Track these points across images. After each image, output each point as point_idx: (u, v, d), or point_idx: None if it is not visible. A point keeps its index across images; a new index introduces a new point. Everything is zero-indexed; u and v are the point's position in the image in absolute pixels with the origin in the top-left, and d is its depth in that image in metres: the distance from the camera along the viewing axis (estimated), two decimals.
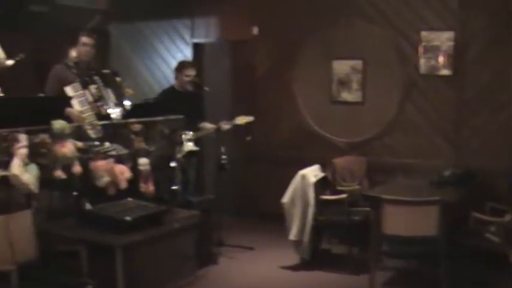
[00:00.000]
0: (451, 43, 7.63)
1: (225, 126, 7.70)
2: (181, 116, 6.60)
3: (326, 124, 8.51)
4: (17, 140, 5.00)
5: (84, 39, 6.97)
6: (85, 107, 6.60)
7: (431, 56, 7.78)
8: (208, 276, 6.71)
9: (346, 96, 8.37)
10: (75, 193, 5.82)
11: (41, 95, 6.57)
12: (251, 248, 7.66)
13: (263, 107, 8.86)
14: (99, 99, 6.64)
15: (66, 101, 6.19)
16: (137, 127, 5.99)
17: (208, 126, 7.94)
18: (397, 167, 7.88)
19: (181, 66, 7.98)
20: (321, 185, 7.26)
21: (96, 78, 6.73)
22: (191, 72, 7.88)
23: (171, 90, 7.96)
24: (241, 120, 7.84)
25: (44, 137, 5.16)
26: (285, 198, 7.03)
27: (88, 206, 5.49)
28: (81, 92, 6.62)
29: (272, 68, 8.94)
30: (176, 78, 7.98)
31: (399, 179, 7.72)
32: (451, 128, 7.70)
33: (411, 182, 7.42)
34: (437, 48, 7.71)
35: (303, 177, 7.00)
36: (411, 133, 7.93)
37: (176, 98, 7.71)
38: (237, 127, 7.94)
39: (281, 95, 8.80)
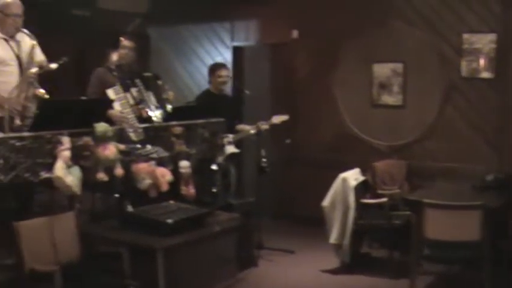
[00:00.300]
0: (493, 45, 7.56)
1: (263, 126, 7.70)
2: (221, 119, 6.62)
3: (366, 127, 8.47)
4: (60, 143, 5.06)
5: (125, 42, 7.02)
6: (126, 110, 6.65)
7: (472, 58, 7.70)
8: (248, 279, 6.71)
9: (387, 99, 8.33)
10: (117, 195, 5.87)
11: (84, 97, 6.64)
12: (291, 251, 7.64)
13: (303, 110, 8.86)
14: (140, 102, 6.67)
15: (109, 103, 6.25)
16: (178, 130, 6.01)
17: (246, 127, 7.97)
18: (438, 171, 7.81)
19: (213, 68, 8.05)
20: (362, 189, 7.23)
21: (137, 81, 6.76)
22: (223, 73, 7.93)
23: (206, 93, 8.00)
24: (277, 119, 7.83)
25: (87, 139, 5.20)
26: (325, 202, 7.01)
27: (130, 208, 5.52)
28: (123, 94, 6.66)
29: (312, 71, 8.93)
30: (210, 81, 8.03)
31: (440, 183, 7.65)
32: (493, 131, 7.62)
33: (452, 186, 7.33)
34: (478, 50, 7.64)
35: (344, 180, 6.97)
36: (452, 137, 7.85)
37: (212, 101, 7.74)
38: (276, 130, 7.95)
39: (321, 98, 8.78)
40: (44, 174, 5.06)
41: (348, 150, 8.48)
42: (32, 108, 5.64)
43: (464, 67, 7.73)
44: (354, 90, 8.57)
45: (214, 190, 6.68)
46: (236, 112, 8.10)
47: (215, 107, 7.19)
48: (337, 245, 6.98)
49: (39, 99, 5.67)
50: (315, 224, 7.45)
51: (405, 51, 8.16)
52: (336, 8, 8.68)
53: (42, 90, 5.71)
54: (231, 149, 7.64)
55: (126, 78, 6.78)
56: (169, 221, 5.19)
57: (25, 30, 5.96)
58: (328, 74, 8.72)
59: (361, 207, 7.01)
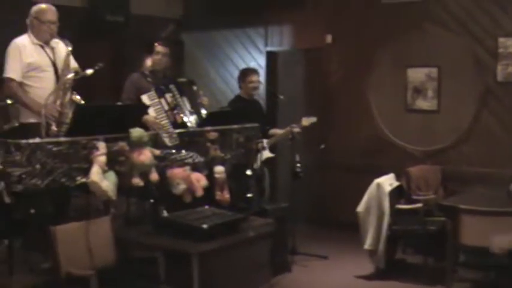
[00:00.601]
0: None
1: (295, 129, 7.69)
2: (256, 124, 6.62)
3: (401, 132, 8.42)
4: (96, 148, 5.09)
5: (159, 48, 7.05)
6: (161, 115, 6.68)
7: (508, 62, 7.64)
8: (282, 284, 6.71)
9: (421, 104, 8.28)
10: (152, 200, 5.90)
11: (119, 103, 6.68)
12: (325, 257, 7.62)
13: (337, 115, 8.84)
14: (174, 107, 6.71)
15: (144, 109, 6.28)
16: (213, 135, 6.03)
17: (278, 131, 7.98)
18: (473, 176, 7.73)
19: (244, 73, 8.07)
20: (396, 194, 7.19)
21: (171, 86, 6.80)
22: (254, 78, 7.95)
23: (237, 99, 8.02)
24: (307, 121, 7.82)
25: (123, 144, 5.23)
26: (360, 207, 6.99)
27: (165, 214, 5.54)
28: (157, 100, 6.70)
29: (346, 75, 8.91)
30: (240, 87, 8.04)
31: (475, 188, 7.58)
32: None
33: (488, 191, 7.27)
34: None
35: (378, 186, 6.94)
36: (488, 141, 7.78)
37: (244, 106, 7.76)
38: (310, 135, 7.95)
39: (355, 102, 8.76)
40: (80, 179, 5.10)
41: (382, 155, 8.44)
42: (68, 114, 5.69)
43: (500, 71, 7.67)
44: (388, 95, 8.53)
45: (248, 195, 6.68)
46: (268, 117, 8.10)
47: (247, 112, 7.20)
48: (371, 251, 6.95)
49: (75, 105, 5.73)
50: (349, 229, 7.42)
51: (440, 56, 8.11)
52: (370, 12, 8.66)
53: (78, 97, 5.77)
54: (265, 154, 7.66)
55: (161, 83, 6.83)
56: (205, 226, 5.19)
57: (59, 38, 6.02)
58: (362, 78, 8.69)
59: (395, 213, 6.97)
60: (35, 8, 6.02)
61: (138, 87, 6.87)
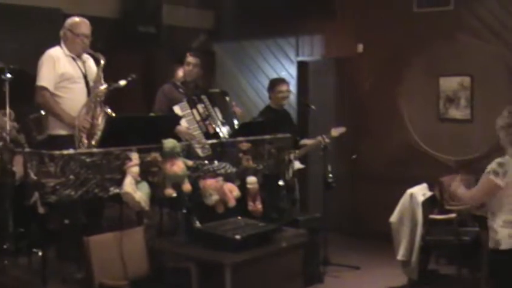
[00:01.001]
0: None
1: (326, 140, 7.66)
2: (288, 135, 6.61)
3: (433, 142, 8.37)
4: (129, 159, 5.10)
5: (190, 58, 7.08)
6: (193, 126, 6.71)
7: None
8: None
9: (454, 113, 8.23)
10: (184, 211, 5.90)
11: (152, 114, 6.71)
12: (357, 267, 7.59)
13: (369, 125, 8.81)
14: (206, 118, 6.73)
15: (177, 119, 6.29)
16: (245, 146, 6.01)
17: (309, 142, 7.96)
18: None
19: (273, 84, 8.04)
20: (429, 204, 7.14)
21: (203, 97, 6.83)
22: (283, 88, 7.91)
23: (267, 110, 8.00)
24: (336, 131, 7.80)
25: (156, 155, 5.23)
26: (393, 218, 6.94)
27: (197, 224, 5.53)
28: (189, 111, 6.74)
29: (377, 85, 8.88)
30: (270, 97, 8.02)
31: None
32: None
33: None
34: None
35: (411, 196, 6.89)
36: None
37: (274, 116, 7.74)
38: (342, 145, 7.93)
39: (387, 112, 8.73)
40: (113, 190, 5.11)
41: (415, 165, 8.39)
42: (99, 126, 5.71)
43: None
44: (420, 104, 8.49)
45: (281, 206, 6.67)
46: (299, 127, 8.08)
47: (277, 123, 7.19)
48: (404, 262, 6.89)
49: (106, 117, 5.74)
50: (381, 239, 7.37)
51: (472, 64, 8.06)
52: (401, 21, 8.64)
53: (109, 110, 5.78)
54: (296, 164, 7.63)
55: (192, 94, 6.85)
56: (238, 237, 5.17)
57: (92, 52, 6.05)
58: (394, 87, 8.67)
59: (429, 223, 6.93)
60: (69, 21, 6.05)
61: (170, 98, 6.91)
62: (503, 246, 4.90)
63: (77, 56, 6.02)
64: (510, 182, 4.91)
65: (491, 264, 5.29)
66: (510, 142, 5.04)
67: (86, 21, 6.04)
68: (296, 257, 6.07)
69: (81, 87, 5.96)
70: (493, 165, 4.99)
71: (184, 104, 6.79)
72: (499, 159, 5.01)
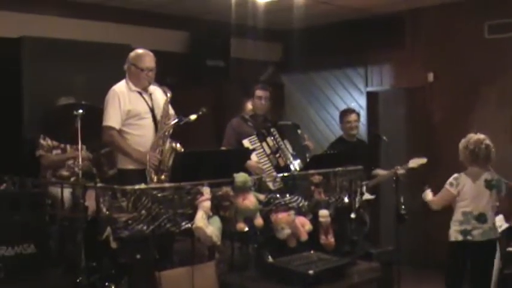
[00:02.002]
0: None
1: (400, 171, 7.52)
2: (360, 167, 6.50)
3: (509, 171, 8.13)
4: (200, 193, 5.08)
5: (259, 92, 7.06)
6: (263, 160, 6.66)
7: None
8: None
9: None
10: (256, 245, 5.85)
11: (223, 148, 6.69)
12: None
13: (442, 155, 8.60)
14: (276, 151, 6.68)
15: (248, 153, 6.25)
16: (317, 178, 5.94)
17: (381, 172, 7.85)
18: None
19: (341, 114, 8.05)
20: (507, 237, 6.92)
21: (272, 130, 6.78)
22: (351, 118, 7.87)
23: (339, 141, 7.94)
24: (415, 162, 7.67)
25: (227, 189, 5.19)
26: None
27: (269, 259, 5.46)
28: (259, 144, 6.69)
29: (450, 114, 8.73)
30: (341, 128, 7.98)
31: None
32: None
33: None
34: None
35: None
36: None
37: (345, 148, 7.66)
38: (415, 175, 7.76)
39: (459, 142, 8.51)
40: (185, 225, 5.08)
41: None
42: (168, 162, 5.70)
43: None
44: (495, 133, 8.23)
45: (354, 239, 6.55)
46: (370, 158, 7.98)
47: (350, 154, 7.09)
48: None
49: (174, 153, 5.73)
50: None
51: None
52: (473, 48, 8.48)
53: (178, 145, 5.76)
54: (366, 195, 7.51)
55: (262, 127, 6.81)
56: (311, 272, 5.08)
57: (157, 85, 6.04)
58: (467, 116, 8.49)
59: (506, 256, 6.71)
60: (132, 54, 6.04)
61: (238, 132, 6.88)
62: None
63: (143, 90, 6.01)
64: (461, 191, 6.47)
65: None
66: (466, 161, 6.58)
67: (150, 54, 6.01)
68: None
69: (148, 122, 5.96)
70: (450, 179, 6.59)
71: (254, 137, 6.75)
72: (455, 175, 6.61)
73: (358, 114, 8.15)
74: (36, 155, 6.72)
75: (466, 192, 6.44)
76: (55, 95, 6.93)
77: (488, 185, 6.45)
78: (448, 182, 6.58)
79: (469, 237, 6.35)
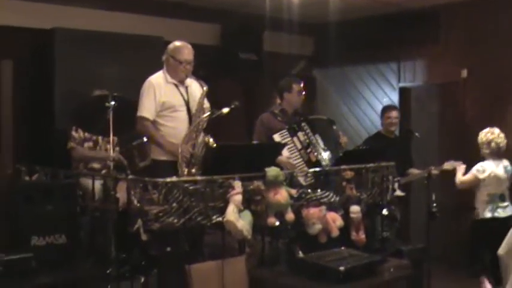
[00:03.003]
0: None
1: (435, 171, 7.46)
2: (392, 163, 6.44)
3: None
4: (232, 187, 5.06)
5: (296, 86, 6.99)
6: (294, 155, 6.61)
7: None
8: None
9: None
10: (286, 240, 5.82)
11: (255, 142, 6.66)
12: None
13: (474, 152, 8.49)
14: (308, 146, 6.63)
15: (280, 147, 6.21)
16: (349, 174, 5.89)
17: (415, 171, 7.79)
18: None
19: (383, 110, 8.04)
20: None
21: (303, 125, 6.72)
22: (391, 114, 7.84)
23: (376, 136, 7.90)
24: (450, 165, 7.62)
25: (259, 184, 5.17)
26: (501, 250, 6.67)
27: (300, 254, 5.43)
28: (289, 139, 6.64)
29: (484, 110, 8.62)
30: (381, 123, 7.95)
31: None
32: None
33: None
34: None
35: None
36: None
37: (382, 143, 7.61)
38: (447, 173, 7.69)
39: None
40: (216, 218, 5.07)
41: None
42: (199, 156, 5.70)
43: None
44: None
45: (385, 235, 6.50)
46: (407, 156, 7.93)
47: (384, 150, 7.03)
48: None
49: (207, 146, 5.72)
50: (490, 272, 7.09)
51: None
52: (508, 44, 8.37)
53: (211, 139, 5.75)
54: (397, 192, 7.44)
55: (292, 122, 6.75)
56: (342, 268, 5.03)
57: (194, 78, 6.04)
58: (502, 113, 8.37)
59: None
60: (171, 46, 6.05)
61: (268, 127, 6.83)
62: None
63: (179, 82, 6.02)
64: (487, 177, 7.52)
65: None
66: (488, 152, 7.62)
67: (188, 46, 6.03)
68: None
69: (182, 115, 5.98)
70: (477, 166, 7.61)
71: (285, 132, 6.69)
72: (481, 163, 7.63)
73: (398, 111, 8.14)
74: (67, 147, 6.73)
75: (491, 177, 7.51)
76: (87, 86, 6.94)
77: (506, 170, 7.59)
78: (475, 169, 7.59)
79: (496, 214, 7.46)
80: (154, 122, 5.97)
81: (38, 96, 7.70)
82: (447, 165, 7.64)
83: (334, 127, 6.96)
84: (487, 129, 7.65)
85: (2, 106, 7.67)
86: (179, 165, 5.55)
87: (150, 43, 8.03)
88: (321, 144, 6.67)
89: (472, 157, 8.24)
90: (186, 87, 6.08)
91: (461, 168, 7.71)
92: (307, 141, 6.64)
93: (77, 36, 7.58)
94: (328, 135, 6.76)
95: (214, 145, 5.64)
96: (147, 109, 5.93)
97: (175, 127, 5.93)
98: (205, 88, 5.93)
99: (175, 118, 5.97)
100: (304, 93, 7.03)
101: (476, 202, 7.67)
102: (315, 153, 6.58)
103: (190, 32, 8.57)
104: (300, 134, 6.68)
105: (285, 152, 6.52)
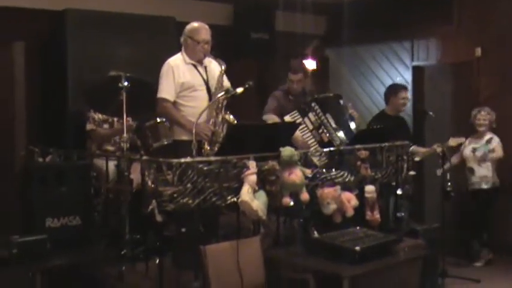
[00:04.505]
0: None
1: (439, 148, 7.44)
2: (406, 142, 6.41)
3: None
4: (246, 167, 5.04)
5: (292, 76, 7.14)
6: (306, 135, 6.59)
7: None
8: None
9: None
10: (301, 220, 5.80)
11: (269, 121, 6.64)
12: (477, 281, 7.30)
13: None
14: (319, 126, 6.60)
15: (295, 127, 6.17)
16: (364, 154, 5.86)
17: (421, 149, 7.77)
18: None
19: (395, 90, 7.93)
20: None
21: (313, 104, 6.69)
22: (404, 94, 7.79)
23: (382, 115, 7.87)
24: (454, 141, 7.62)
25: (273, 164, 5.15)
26: None
27: (315, 234, 5.41)
28: (301, 120, 6.62)
29: (497, 90, 8.54)
30: (387, 102, 7.88)
31: None
32: None
33: None
34: None
35: None
36: None
37: (388, 122, 7.58)
38: (451, 149, 7.68)
39: (507, 119, 8.36)
40: (231, 199, 5.06)
41: None
42: (221, 133, 5.72)
43: None
44: None
45: (399, 215, 6.47)
46: (410, 135, 7.90)
47: (393, 130, 7.00)
48: None
49: (228, 124, 5.73)
50: (504, 251, 7.07)
51: None
52: None
53: (231, 116, 5.76)
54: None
55: (302, 103, 6.74)
56: (357, 248, 5.00)
57: (212, 57, 6.04)
58: None
59: None
60: (188, 27, 6.09)
61: (280, 104, 6.89)
62: None
63: (198, 62, 6.03)
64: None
65: None
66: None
67: (206, 26, 6.07)
68: (415, 269, 5.86)
69: (202, 94, 6.04)
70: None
71: (295, 113, 6.67)
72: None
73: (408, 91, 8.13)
74: (87, 129, 6.72)
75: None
76: (100, 67, 6.93)
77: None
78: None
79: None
80: (174, 103, 6.00)
81: (51, 78, 7.68)
82: (452, 142, 7.65)
83: (341, 101, 6.92)
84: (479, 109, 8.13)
85: (14, 88, 7.68)
86: (193, 145, 5.50)
87: (162, 24, 8.01)
88: (332, 123, 6.63)
89: None
90: (205, 67, 6.14)
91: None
92: (319, 121, 6.62)
93: (89, 18, 7.56)
94: (338, 113, 6.73)
95: (235, 122, 5.65)
96: (166, 90, 5.97)
97: (196, 106, 5.94)
98: (223, 66, 6.00)
99: (196, 98, 6.02)
100: (299, 82, 7.12)
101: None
102: (327, 134, 6.55)
103: (202, 12, 8.54)
104: (311, 114, 6.65)
105: (298, 133, 6.49)
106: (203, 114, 5.76)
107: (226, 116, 5.83)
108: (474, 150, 8.03)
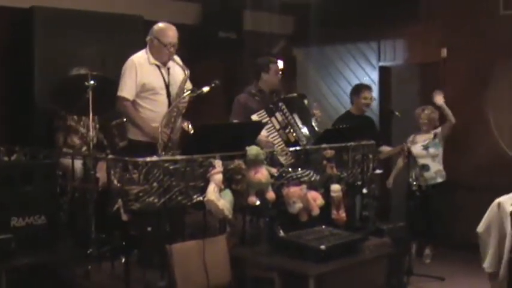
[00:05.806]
0: None
1: (405, 146, 7.56)
2: (372, 142, 6.46)
3: None
4: (212, 166, 5.05)
5: (275, 66, 6.98)
6: (273, 135, 6.60)
7: None
8: None
9: None
10: (267, 219, 5.83)
11: (235, 121, 6.65)
12: (442, 278, 7.39)
13: (454, 132, 8.53)
14: (286, 126, 6.62)
15: (261, 126, 6.18)
16: (329, 153, 5.90)
17: (387, 149, 7.86)
18: None
19: (358, 89, 8.03)
20: None
21: (281, 104, 6.70)
22: (368, 94, 7.87)
23: (347, 115, 7.93)
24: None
25: (239, 163, 5.17)
26: (480, 228, 6.67)
27: (281, 233, 5.44)
28: (268, 119, 6.62)
29: (463, 91, 8.62)
30: (352, 102, 7.95)
31: None
32: None
33: None
34: None
35: (499, 205, 6.60)
36: None
37: (353, 122, 7.64)
38: None
39: (473, 119, 8.45)
40: (196, 198, 5.07)
41: (503, 173, 8.07)
42: (176, 140, 5.71)
43: None
44: (509, 110, 8.21)
45: (365, 214, 6.52)
46: (376, 134, 7.97)
47: (359, 129, 7.05)
48: (491, 274, 6.61)
49: (183, 132, 5.73)
50: (469, 250, 7.13)
51: None
52: (488, 24, 8.37)
53: (190, 125, 5.76)
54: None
55: (269, 102, 6.75)
56: (322, 247, 5.05)
57: (177, 60, 6.00)
58: (481, 93, 8.37)
59: None
60: (156, 28, 6.02)
61: (246, 107, 6.82)
62: None
63: (162, 64, 6.00)
64: None
65: None
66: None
67: (173, 28, 6.00)
68: (381, 267, 5.92)
69: (162, 98, 6.00)
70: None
71: (262, 112, 6.67)
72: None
73: (372, 91, 8.20)
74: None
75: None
76: (66, 65, 6.89)
77: None
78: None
79: None
80: (133, 102, 5.95)
81: (18, 75, 7.62)
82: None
83: (306, 101, 6.96)
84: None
85: None
86: (159, 145, 5.48)
87: (130, 22, 7.98)
88: (299, 123, 6.65)
89: (453, 137, 8.31)
90: (168, 69, 6.07)
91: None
92: (286, 121, 6.62)
93: (56, 15, 7.50)
94: (304, 113, 6.76)
95: (192, 131, 5.65)
96: (127, 90, 5.92)
97: (154, 110, 5.92)
98: (187, 72, 5.91)
99: (155, 101, 5.97)
100: (281, 73, 7.03)
101: None
102: (294, 133, 6.57)
103: (170, 11, 8.53)
104: (278, 114, 6.65)
105: (264, 132, 6.49)
106: (161, 118, 5.69)
107: (184, 124, 5.80)
108: (426, 147, 8.10)
